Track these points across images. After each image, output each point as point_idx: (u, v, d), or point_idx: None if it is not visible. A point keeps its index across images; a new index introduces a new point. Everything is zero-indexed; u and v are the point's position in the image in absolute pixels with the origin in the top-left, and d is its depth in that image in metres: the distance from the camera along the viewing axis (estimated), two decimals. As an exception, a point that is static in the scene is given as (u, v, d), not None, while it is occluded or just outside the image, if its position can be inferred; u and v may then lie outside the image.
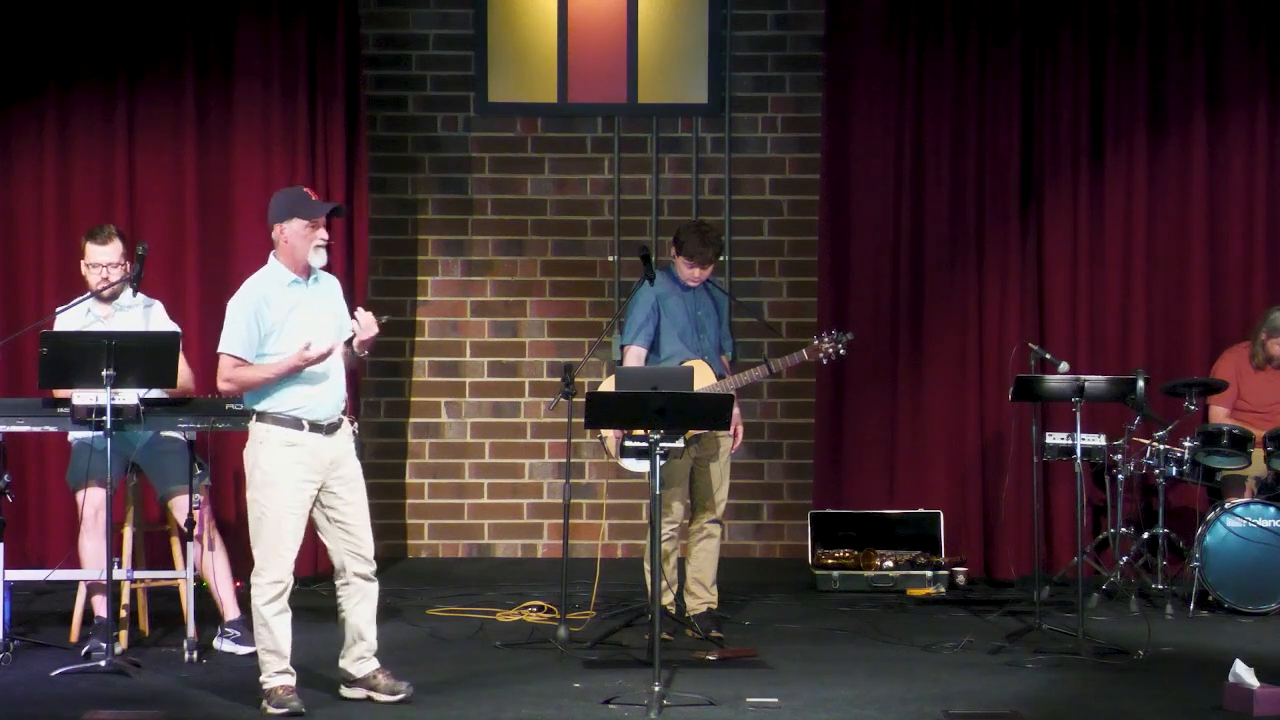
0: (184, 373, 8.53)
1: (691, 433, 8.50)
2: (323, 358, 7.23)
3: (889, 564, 10.45)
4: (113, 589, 8.10)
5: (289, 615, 7.32)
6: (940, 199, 10.89)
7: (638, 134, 11.30)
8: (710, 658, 8.34)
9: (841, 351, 8.98)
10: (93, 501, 8.19)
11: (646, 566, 8.46)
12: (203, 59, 10.63)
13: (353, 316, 7.43)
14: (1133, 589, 9.75)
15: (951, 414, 10.85)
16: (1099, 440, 9.38)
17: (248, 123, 10.64)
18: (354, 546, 7.40)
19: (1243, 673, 7.27)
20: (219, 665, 8.15)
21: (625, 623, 8.97)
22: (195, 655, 8.15)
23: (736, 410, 8.59)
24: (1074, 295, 10.90)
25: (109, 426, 7.76)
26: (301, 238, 7.31)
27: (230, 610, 8.54)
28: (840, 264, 10.94)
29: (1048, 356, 9.59)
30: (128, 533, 8.62)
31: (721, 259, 9.99)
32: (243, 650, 8.39)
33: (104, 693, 7.53)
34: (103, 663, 7.82)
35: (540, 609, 9.54)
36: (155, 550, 9.06)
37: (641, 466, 8.19)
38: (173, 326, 8.61)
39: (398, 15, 11.23)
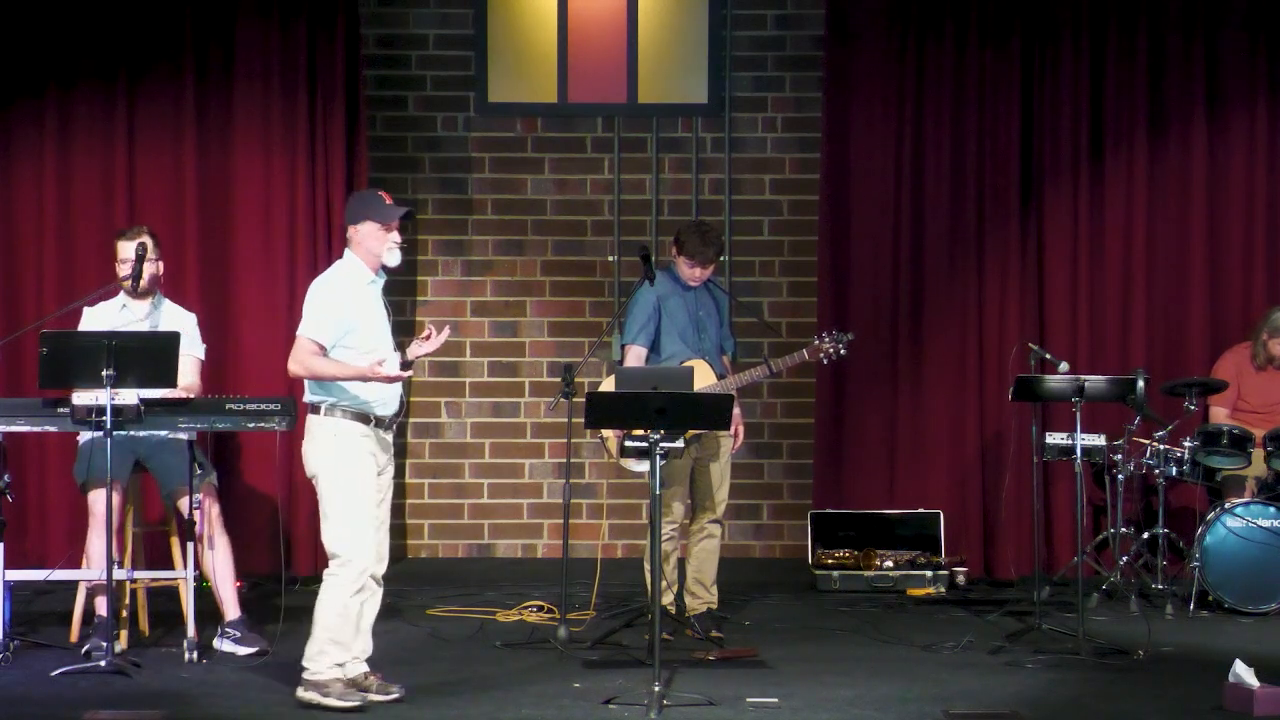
0: (195, 386, 8.56)
1: (692, 433, 8.50)
2: (390, 379, 7.33)
3: (889, 564, 10.45)
4: (113, 589, 8.10)
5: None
6: (940, 199, 10.89)
7: (638, 134, 11.30)
8: (710, 658, 8.34)
9: (842, 351, 8.98)
10: (101, 500, 8.18)
11: (646, 566, 8.46)
12: (203, 59, 10.64)
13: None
14: (1133, 589, 9.75)
15: (951, 414, 10.86)
16: (1099, 440, 9.38)
17: (248, 123, 10.65)
18: (377, 545, 7.45)
19: (1243, 673, 7.27)
20: (219, 665, 8.15)
21: (625, 623, 8.97)
22: (195, 655, 8.15)
23: (737, 410, 8.59)
24: (1074, 295, 10.90)
25: (109, 426, 7.76)
26: (375, 239, 7.46)
27: (231, 610, 8.55)
28: (840, 264, 10.94)
29: (1048, 356, 9.59)
30: (128, 532, 8.62)
31: (722, 259, 9.99)
32: (242, 651, 8.40)
33: (104, 693, 7.53)
34: (103, 663, 7.82)
35: (540, 609, 9.54)
36: (155, 550, 9.06)
37: (642, 467, 8.19)
38: (196, 343, 8.62)
39: (398, 15, 11.23)
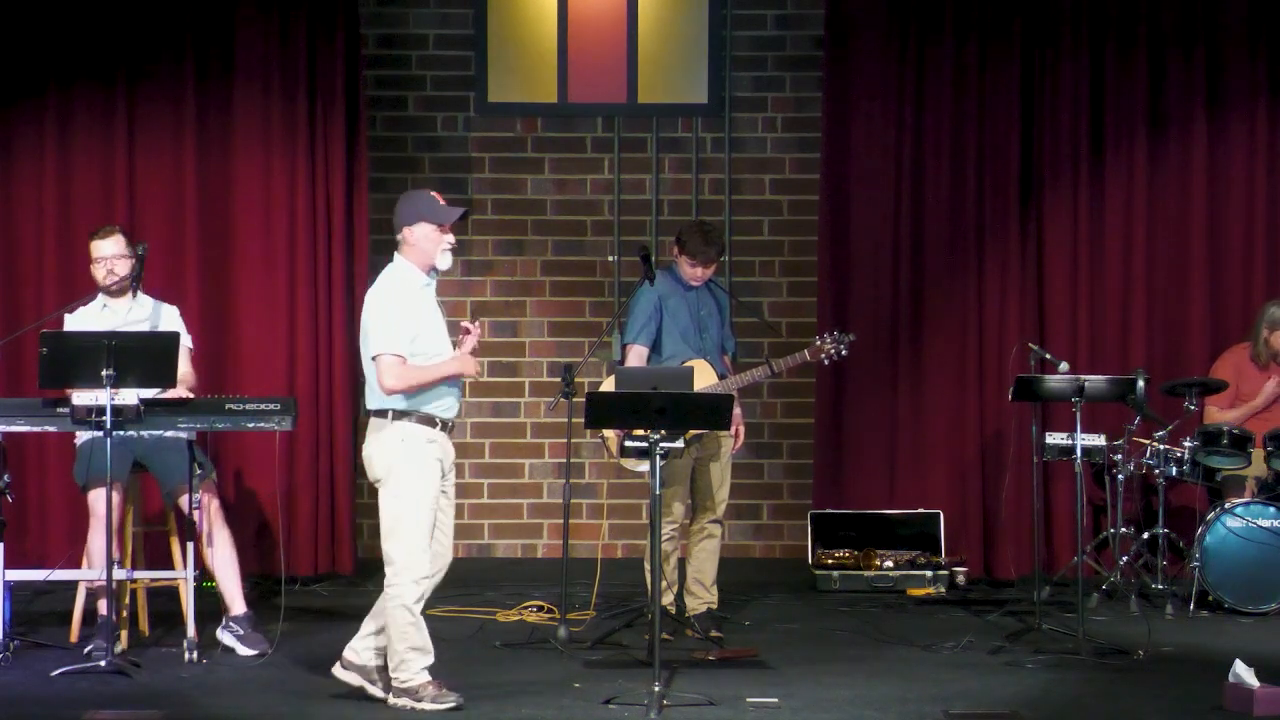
0: (189, 376, 8.56)
1: (692, 433, 8.50)
2: (474, 372, 7.39)
3: (889, 564, 10.45)
4: (113, 589, 8.10)
5: None
6: (940, 198, 10.89)
7: (638, 134, 11.30)
8: (710, 658, 8.34)
9: (844, 352, 8.98)
10: (102, 500, 8.18)
11: (646, 566, 8.46)
12: (202, 59, 10.63)
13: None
14: (1133, 589, 9.75)
15: (951, 414, 10.85)
16: (1099, 440, 9.36)
17: (247, 122, 10.64)
18: (443, 548, 7.50)
19: (1243, 673, 7.27)
20: (219, 665, 8.14)
21: (625, 623, 8.97)
22: (195, 655, 8.14)
23: (738, 410, 8.59)
24: (1074, 295, 10.90)
25: (109, 426, 7.76)
26: (430, 241, 7.35)
27: (236, 605, 8.54)
28: (840, 264, 10.94)
29: (1048, 356, 9.59)
30: (128, 532, 8.62)
31: (722, 259, 9.98)
32: (244, 650, 8.39)
33: (104, 693, 7.53)
34: (103, 663, 7.82)
35: (540, 609, 9.54)
36: (155, 550, 9.06)
37: (643, 467, 8.19)
38: (183, 334, 8.60)
39: (398, 15, 11.23)
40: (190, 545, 8.28)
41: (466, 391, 11.20)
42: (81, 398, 7.82)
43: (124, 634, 8.50)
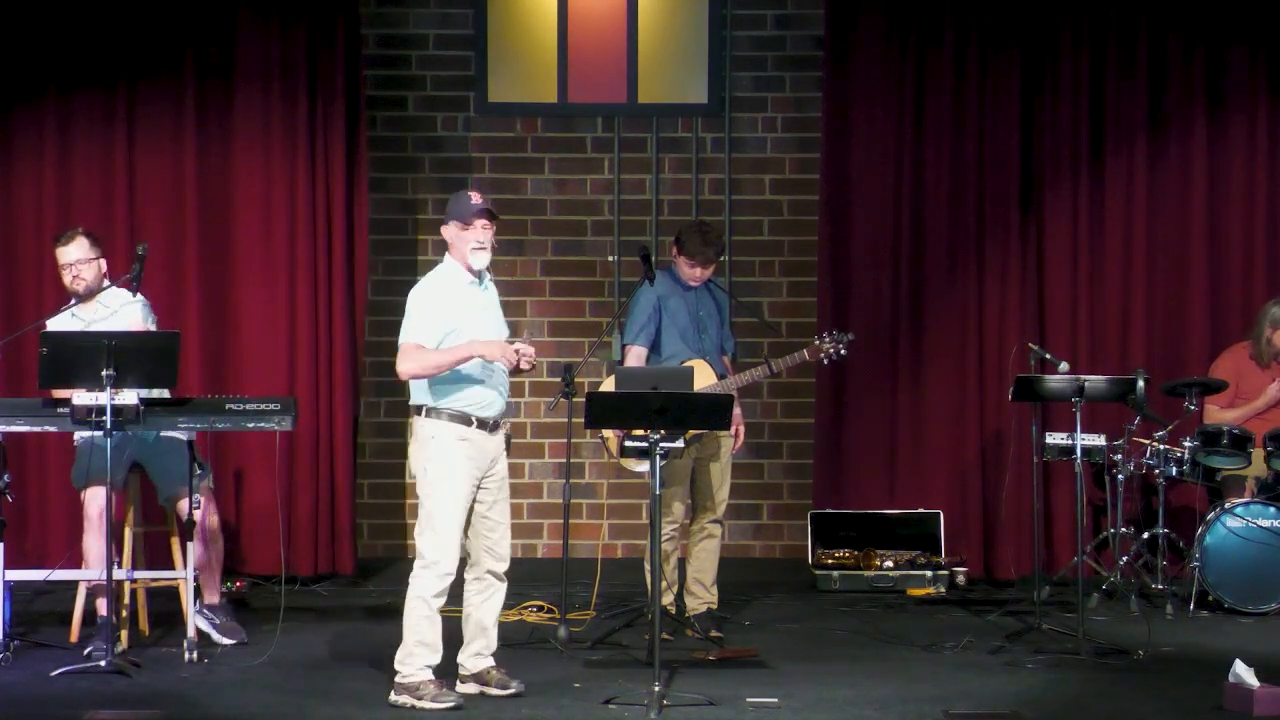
0: None
1: (692, 433, 8.50)
2: (490, 355, 7.33)
3: (889, 564, 10.45)
4: (113, 589, 8.10)
5: (478, 603, 7.51)
6: (940, 198, 10.89)
7: (638, 134, 11.30)
8: (710, 658, 8.34)
9: (843, 351, 8.98)
10: (96, 501, 8.19)
11: (646, 566, 8.46)
12: (202, 59, 10.63)
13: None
14: (1133, 589, 9.75)
15: (951, 414, 10.85)
16: (1099, 440, 9.36)
17: (247, 122, 10.64)
18: (494, 544, 7.53)
19: (1243, 673, 7.27)
20: (219, 665, 8.14)
21: (625, 623, 8.98)
22: (195, 655, 8.14)
23: (738, 410, 8.59)
24: (1074, 295, 10.90)
25: (109, 426, 7.76)
26: (459, 240, 7.42)
27: (212, 595, 8.61)
28: (840, 264, 10.94)
29: (1048, 356, 9.59)
30: (128, 533, 8.62)
31: (722, 259, 9.98)
32: (221, 638, 8.49)
33: (104, 693, 7.52)
34: (103, 663, 7.81)
35: (540, 609, 9.54)
36: (155, 550, 9.06)
37: (644, 466, 8.18)
38: (143, 325, 8.55)
39: (398, 15, 11.23)
40: (190, 545, 8.28)
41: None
42: (81, 398, 7.80)
43: (124, 634, 8.50)
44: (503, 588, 7.60)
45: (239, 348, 10.63)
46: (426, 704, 7.28)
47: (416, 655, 7.35)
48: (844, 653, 8.65)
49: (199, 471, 8.32)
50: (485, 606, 7.56)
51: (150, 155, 10.63)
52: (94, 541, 8.29)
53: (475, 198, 7.48)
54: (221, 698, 7.52)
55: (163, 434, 8.46)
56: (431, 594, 7.35)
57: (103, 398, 7.76)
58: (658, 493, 7.45)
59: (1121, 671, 8.13)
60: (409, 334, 7.38)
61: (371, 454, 11.17)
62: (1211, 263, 10.92)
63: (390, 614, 9.60)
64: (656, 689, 7.23)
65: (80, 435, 8.46)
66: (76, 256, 8.53)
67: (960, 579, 10.52)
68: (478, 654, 7.57)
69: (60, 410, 7.97)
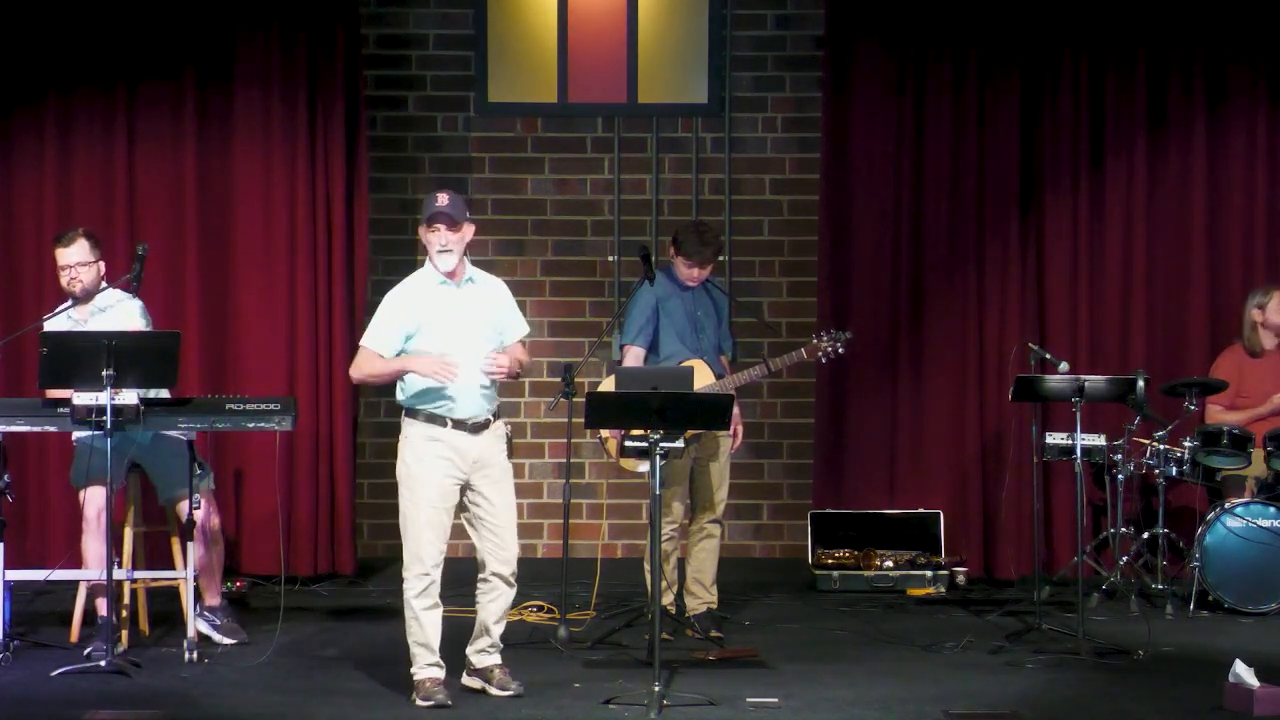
0: None
1: (690, 432, 8.50)
2: (426, 372, 7.35)
3: (889, 564, 10.45)
4: (113, 589, 8.10)
5: (439, 610, 7.50)
6: (940, 198, 10.90)
7: (638, 134, 11.30)
8: (710, 658, 8.34)
9: (840, 350, 8.98)
10: (95, 501, 8.19)
11: (646, 566, 8.46)
12: (202, 60, 10.63)
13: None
14: (1133, 589, 9.76)
15: (951, 414, 10.86)
16: (1099, 440, 9.38)
17: (247, 122, 10.65)
18: (495, 546, 7.58)
19: (1243, 673, 7.27)
20: (219, 665, 8.14)
21: (625, 623, 8.98)
22: (195, 655, 8.14)
23: (736, 410, 8.59)
24: (1074, 295, 10.91)
25: (109, 426, 7.76)
26: (425, 242, 7.52)
27: (213, 597, 8.62)
28: (840, 264, 10.94)
29: (1048, 356, 9.59)
30: (128, 533, 8.62)
31: (721, 259, 9.99)
32: (222, 639, 8.51)
33: (104, 693, 7.53)
34: (103, 663, 7.82)
35: (540, 609, 9.54)
36: (155, 550, 9.06)
37: (645, 467, 8.19)
38: (137, 325, 8.55)
39: (398, 15, 11.23)
40: (190, 545, 8.28)
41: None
42: (81, 398, 7.80)
43: (124, 634, 8.50)
44: (509, 590, 7.62)
45: (239, 348, 10.63)
46: (419, 701, 7.38)
47: (417, 655, 7.47)
48: (844, 653, 8.65)
49: (199, 472, 8.32)
50: (490, 607, 7.60)
51: (150, 155, 10.63)
52: (92, 543, 8.29)
53: (441, 199, 7.48)
54: (221, 698, 7.52)
55: (163, 434, 8.45)
56: (413, 595, 7.42)
57: (103, 397, 7.76)
58: (658, 493, 7.45)
59: (1121, 671, 8.13)
60: (365, 337, 7.51)
61: (371, 454, 11.16)
62: (1211, 263, 10.92)
63: (390, 614, 9.62)
64: (656, 689, 7.24)
65: (78, 435, 8.46)
66: (76, 259, 8.52)
67: (960, 579, 10.52)
68: (482, 651, 7.64)
69: (60, 410, 7.97)
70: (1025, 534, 10.48)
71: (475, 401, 7.47)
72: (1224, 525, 9.60)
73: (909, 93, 10.88)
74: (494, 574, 7.57)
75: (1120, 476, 9.93)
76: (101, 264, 8.61)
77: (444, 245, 7.44)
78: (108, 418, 7.76)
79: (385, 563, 11.06)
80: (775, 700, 7.47)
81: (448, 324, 7.44)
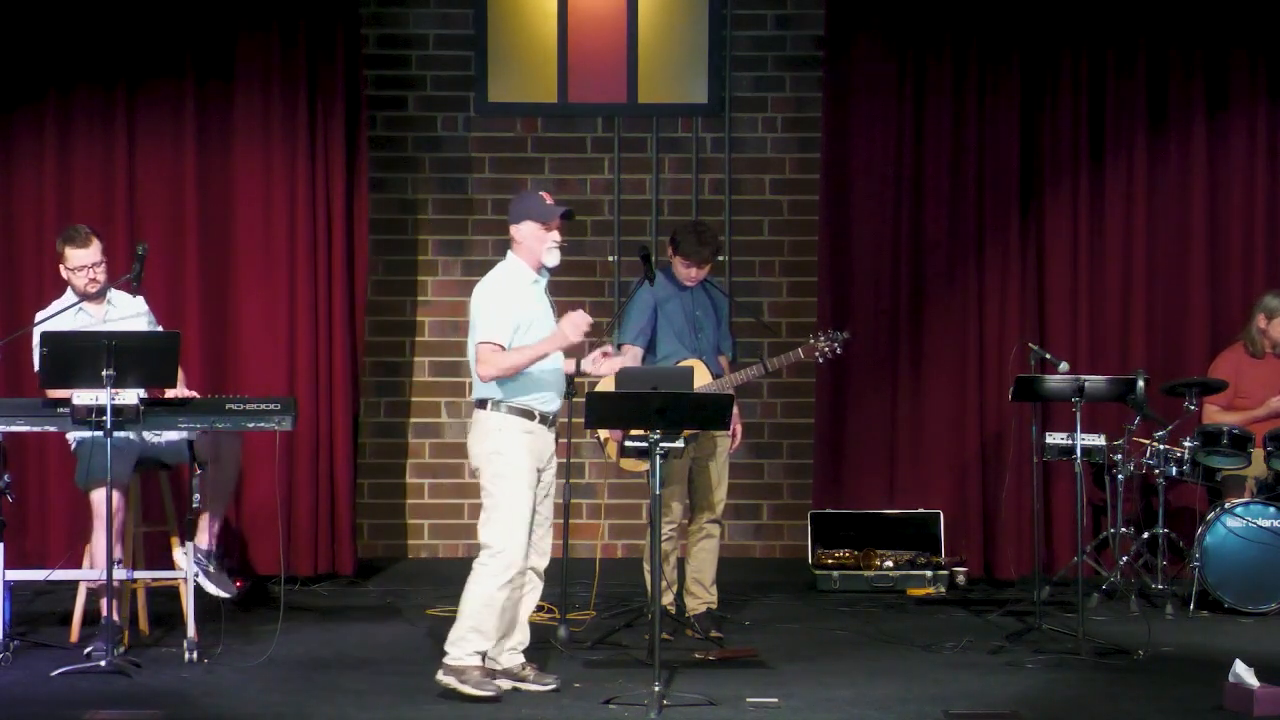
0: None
1: (687, 432, 8.49)
2: (579, 340, 7.49)
3: (889, 564, 10.45)
4: (114, 589, 8.09)
5: (516, 598, 7.53)
6: (940, 198, 10.89)
7: (638, 134, 11.30)
8: (710, 658, 8.34)
9: (838, 350, 8.98)
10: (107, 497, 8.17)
11: (646, 566, 8.46)
12: (203, 59, 10.63)
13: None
14: (1133, 589, 9.76)
15: (951, 414, 10.86)
16: (1099, 440, 9.38)
17: (247, 123, 10.64)
18: (538, 539, 7.64)
19: (1243, 673, 7.27)
20: (219, 665, 8.14)
21: (625, 623, 8.97)
22: (195, 655, 8.14)
23: (736, 409, 8.58)
24: (1074, 295, 10.91)
25: (109, 426, 7.76)
26: (536, 239, 7.60)
27: (204, 539, 8.54)
28: (840, 264, 10.94)
29: (1048, 356, 9.59)
30: (129, 533, 8.61)
31: (721, 259, 9.99)
32: (211, 588, 8.44)
33: (104, 693, 7.52)
34: (103, 663, 7.81)
35: (540, 609, 9.52)
36: (155, 550, 9.06)
37: (646, 466, 8.19)
38: (154, 322, 8.60)
39: (398, 15, 11.23)
40: (190, 545, 8.28)
41: (467, 391, 11.22)
42: (81, 398, 7.79)
43: (124, 634, 8.49)
44: (540, 585, 7.70)
45: (239, 348, 10.63)
46: (469, 689, 7.37)
47: (469, 640, 7.45)
48: (844, 653, 8.65)
49: (199, 471, 8.32)
50: (524, 602, 7.65)
51: (150, 154, 10.63)
52: (103, 540, 8.25)
53: (550, 198, 7.69)
54: (221, 698, 7.52)
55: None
56: (498, 585, 7.44)
57: (103, 397, 7.76)
58: (658, 493, 7.45)
59: (1121, 671, 8.13)
60: (485, 335, 7.51)
61: (371, 454, 11.16)
62: (1211, 263, 10.92)
63: (390, 614, 9.64)
64: (656, 689, 7.24)
65: (73, 436, 8.44)
66: (95, 259, 8.54)
67: (960, 579, 10.52)
68: (511, 649, 7.65)
69: (60, 410, 7.97)
70: (1025, 534, 10.48)
71: (558, 397, 7.67)
72: (1224, 525, 9.60)
73: (909, 93, 10.88)
74: (530, 568, 7.63)
75: (1120, 476, 9.93)
76: (104, 262, 8.64)
77: (559, 242, 7.64)
78: (108, 418, 7.75)
79: (385, 563, 11.07)
80: (775, 700, 7.47)
81: (539, 320, 7.60)
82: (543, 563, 7.69)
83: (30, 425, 8.16)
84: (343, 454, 10.70)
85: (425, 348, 11.25)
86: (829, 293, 10.91)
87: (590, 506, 11.12)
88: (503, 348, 7.48)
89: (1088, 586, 9.64)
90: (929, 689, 7.74)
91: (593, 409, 7.68)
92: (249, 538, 10.54)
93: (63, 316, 8.57)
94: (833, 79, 10.94)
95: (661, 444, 7.47)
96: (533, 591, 7.68)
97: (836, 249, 10.94)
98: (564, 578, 8.85)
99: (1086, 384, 8.76)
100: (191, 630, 8.24)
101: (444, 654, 7.50)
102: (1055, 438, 9.45)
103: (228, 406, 8.19)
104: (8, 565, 8.18)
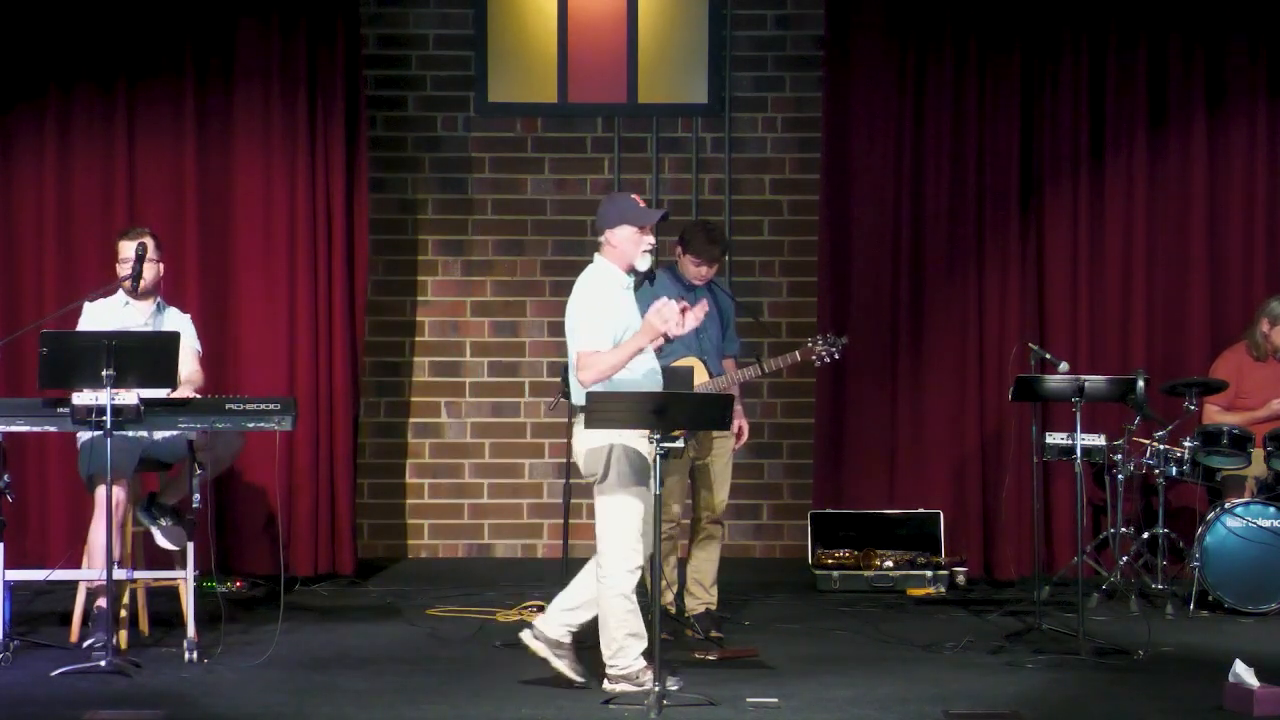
0: (196, 376, 8.58)
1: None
2: (672, 329, 7.49)
3: (889, 564, 10.45)
4: (113, 589, 8.09)
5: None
6: (940, 198, 10.89)
7: (638, 134, 11.30)
8: (710, 658, 8.34)
9: (836, 355, 8.96)
10: (105, 498, 8.18)
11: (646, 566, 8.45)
12: (202, 59, 10.63)
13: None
14: (1133, 589, 9.76)
15: (951, 414, 10.86)
16: (1099, 440, 9.38)
17: (248, 122, 10.64)
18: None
19: (1243, 673, 7.27)
20: (219, 665, 8.13)
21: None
22: (195, 655, 8.14)
23: (739, 408, 8.58)
24: (1074, 295, 10.91)
25: (109, 426, 7.76)
26: (631, 243, 7.64)
27: (169, 494, 8.65)
28: (840, 264, 10.94)
29: (1048, 356, 9.59)
30: (128, 530, 8.61)
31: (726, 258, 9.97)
32: (163, 541, 8.53)
33: (104, 693, 7.52)
34: (103, 663, 7.81)
35: (540, 609, 9.52)
36: (155, 550, 9.06)
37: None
38: (192, 337, 8.72)
39: (398, 15, 11.23)
40: (190, 545, 8.28)
41: (468, 391, 11.24)
42: (81, 397, 7.79)
43: (124, 634, 8.49)
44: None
45: (239, 348, 10.63)
46: (648, 687, 7.41)
47: (629, 647, 7.50)
48: (844, 653, 8.65)
49: (199, 471, 8.32)
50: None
51: (150, 154, 10.63)
52: (101, 534, 8.26)
53: (642, 201, 7.76)
54: (221, 698, 7.52)
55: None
56: (628, 588, 7.49)
57: (103, 397, 7.76)
58: (658, 492, 7.45)
59: (1121, 671, 8.13)
60: (585, 342, 7.54)
61: (371, 454, 11.16)
62: (1211, 263, 10.92)
63: (390, 614, 9.64)
64: (656, 689, 7.23)
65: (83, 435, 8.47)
66: (129, 255, 8.63)
67: (960, 579, 10.52)
68: (565, 626, 7.71)
69: (60, 410, 7.97)
70: (1025, 534, 10.48)
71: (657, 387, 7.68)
72: (1224, 525, 9.60)
73: (909, 92, 10.88)
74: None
75: (1120, 476, 9.93)
76: (161, 265, 8.81)
77: (652, 245, 7.67)
78: (108, 418, 7.75)
79: (385, 563, 11.07)
80: (775, 700, 7.47)
81: (634, 322, 7.64)
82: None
83: (30, 425, 8.16)
84: (343, 454, 10.70)
85: (425, 348, 11.25)
86: (829, 293, 10.91)
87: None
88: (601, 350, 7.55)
89: (1088, 586, 9.63)
90: (929, 689, 7.74)
91: (593, 409, 7.67)
92: (249, 538, 10.53)
93: (110, 303, 8.66)
94: (833, 79, 10.95)
95: (662, 444, 7.46)
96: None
97: (836, 249, 10.94)
98: (564, 578, 8.84)
99: (1086, 384, 8.76)
100: (191, 630, 8.24)
101: (607, 667, 7.55)
102: (1055, 438, 9.45)
103: (228, 406, 8.19)
104: (8, 565, 8.17)
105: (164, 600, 9.00)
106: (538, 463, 11.24)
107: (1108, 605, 9.79)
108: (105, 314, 8.68)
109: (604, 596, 7.52)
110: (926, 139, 10.89)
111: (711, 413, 7.75)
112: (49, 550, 10.21)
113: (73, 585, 8.70)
